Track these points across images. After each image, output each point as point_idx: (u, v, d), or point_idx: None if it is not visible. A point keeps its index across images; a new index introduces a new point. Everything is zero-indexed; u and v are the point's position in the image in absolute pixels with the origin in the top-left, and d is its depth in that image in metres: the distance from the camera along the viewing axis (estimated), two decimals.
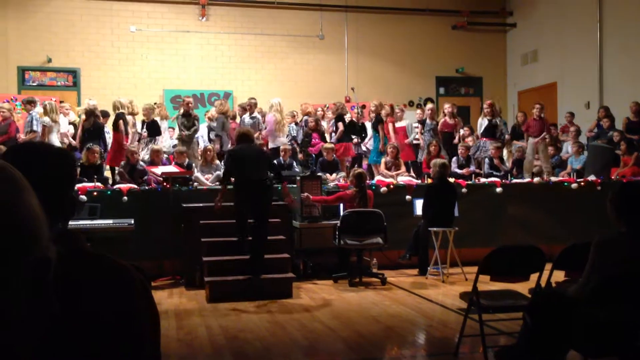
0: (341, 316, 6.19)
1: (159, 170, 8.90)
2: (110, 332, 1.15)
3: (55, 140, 9.53)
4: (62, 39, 13.25)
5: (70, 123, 10.51)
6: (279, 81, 14.30)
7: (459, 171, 10.21)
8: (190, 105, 10.38)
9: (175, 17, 13.99)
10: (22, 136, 9.73)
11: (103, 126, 10.19)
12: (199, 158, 9.98)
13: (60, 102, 10.94)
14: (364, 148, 11.08)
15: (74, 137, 10.23)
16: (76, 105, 12.38)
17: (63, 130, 9.94)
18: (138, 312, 1.25)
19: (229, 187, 7.26)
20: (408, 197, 9.02)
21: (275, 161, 9.66)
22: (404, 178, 9.69)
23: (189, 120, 10.19)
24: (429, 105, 11.64)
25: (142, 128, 10.39)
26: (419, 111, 12.02)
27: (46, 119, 9.48)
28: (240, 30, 14.26)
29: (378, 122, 10.53)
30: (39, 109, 9.88)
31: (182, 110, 10.42)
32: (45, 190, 0.88)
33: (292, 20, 14.59)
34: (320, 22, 14.64)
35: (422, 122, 11.22)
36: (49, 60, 13.19)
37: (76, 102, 12.98)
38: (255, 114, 10.84)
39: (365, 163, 10.77)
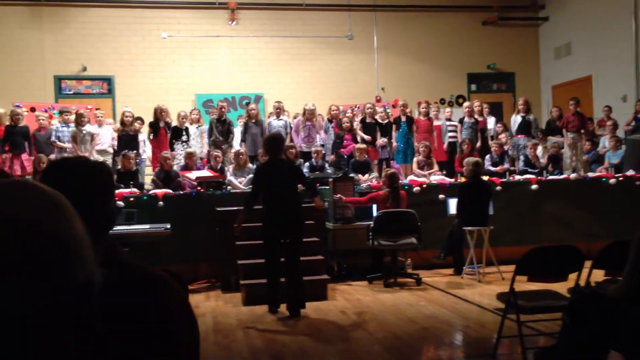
0: (377, 318, 6.18)
1: (193, 174, 9.02)
2: (151, 345, 1.18)
3: (87, 148, 9.73)
4: (96, 47, 13.52)
5: (115, 130, 10.66)
6: (309, 83, 14.33)
7: (492, 169, 10.10)
8: (223, 110, 10.49)
9: (205, 22, 14.15)
10: (57, 142, 9.96)
11: (138, 133, 10.36)
12: (232, 162, 10.09)
13: (96, 109, 11.15)
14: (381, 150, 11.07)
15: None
16: (111, 113, 12.62)
17: (105, 137, 10.11)
18: (177, 324, 1.27)
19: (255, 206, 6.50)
20: (441, 196, 8.95)
21: (307, 163, 9.73)
22: (437, 177, 9.62)
23: (223, 125, 10.30)
24: (467, 103, 11.52)
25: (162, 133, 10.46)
26: (448, 109, 11.94)
27: (87, 128, 9.73)
28: (270, 33, 14.34)
29: (409, 121, 10.50)
30: (68, 118, 10.11)
31: (216, 115, 10.54)
32: (85, 205, 0.91)
33: (320, 21, 14.61)
34: (348, 22, 14.64)
35: (461, 120, 11.13)
36: (84, 69, 13.47)
37: (111, 109, 13.23)
38: (283, 117, 10.88)
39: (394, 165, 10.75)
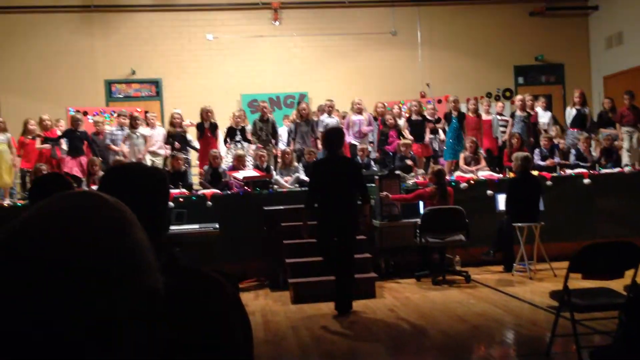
0: (426, 315, 6.14)
1: (240, 174, 9.13)
2: (209, 347, 1.21)
3: (140, 149, 9.97)
4: (144, 51, 13.81)
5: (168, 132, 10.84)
6: (353, 80, 14.30)
7: (542, 163, 9.88)
8: (265, 110, 10.57)
9: (249, 22, 14.28)
10: (111, 145, 10.23)
11: (186, 134, 10.54)
12: (277, 161, 10.17)
13: (145, 112, 11.39)
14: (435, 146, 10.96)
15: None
16: (160, 115, 12.88)
17: (156, 138, 10.32)
18: (233, 326, 1.30)
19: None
20: (490, 192, 8.82)
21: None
22: (485, 173, 9.48)
23: (266, 125, 10.39)
24: (518, 97, 11.26)
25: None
26: (500, 103, 11.74)
27: (140, 130, 9.99)
28: (313, 32, 14.38)
29: (460, 117, 10.39)
30: (124, 121, 10.38)
31: (258, 115, 10.64)
32: (142, 210, 0.93)
33: (363, 18, 14.56)
34: (392, 18, 14.54)
35: (512, 114, 10.94)
36: (133, 73, 13.78)
37: (159, 111, 13.49)
38: (334, 116, 10.87)
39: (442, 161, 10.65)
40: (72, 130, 9.91)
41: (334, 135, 6.39)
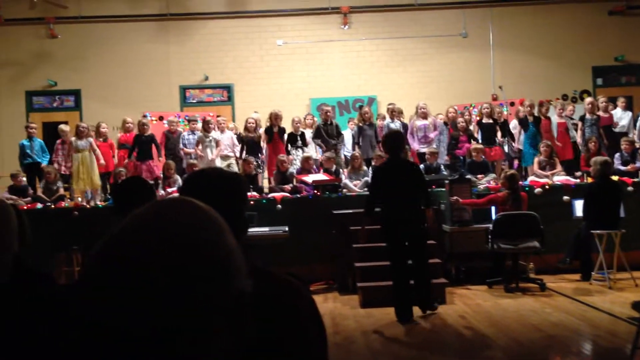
0: (498, 324, 5.99)
1: (309, 178, 9.21)
2: (284, 349, 1.23)
3: (213, 153, 10.22)
4: (217, 57, 14.16)
5: (235, 133, 11.07)
6: (422, 83, 14.16)
7: (622, 168, 9.46)
8: (329, 114, 10.61)
9: (318, 27, 14.39)
10: (184, 149, 10.54)
11: (259, 138, 10.70)
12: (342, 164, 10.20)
13: (218, 116, 11.67)
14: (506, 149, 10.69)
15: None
16: (231, 119, 13.17)
17: (226, 142, 10.56)
18: (308, 328, 1.32)
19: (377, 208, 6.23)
20: (566, 197, 8.53)
21: (422, 165, 9.62)
22: (561, 178, 9.17)
23: (331, 129, 10.43)
24: (588, 99, 10.89)
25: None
26: (570, 107, 11.36)
27: (212, 134, 10.26)
28: (382, 35, 14.34)
29: (536, 120, 10.12)
30: (197, 126, 10.67)
31: (322, 120, 10.68)
32: (222, 213, 0.96)
33: (433, 20, 14.39)
34: (462, 20, 14.31)
35: (581, 117, 10.57)
36: (206, 78, 14.15)
37: (231, 116, 13.79)
38: (397, 120, 10.77)
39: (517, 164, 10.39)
40: (139, 135, 10.26)
41: (393, 139, 6.34)
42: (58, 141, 10.52)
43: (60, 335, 1.27)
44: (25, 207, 8.52)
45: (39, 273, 2.07)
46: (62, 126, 10.71)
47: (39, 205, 9.03)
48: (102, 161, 10.05)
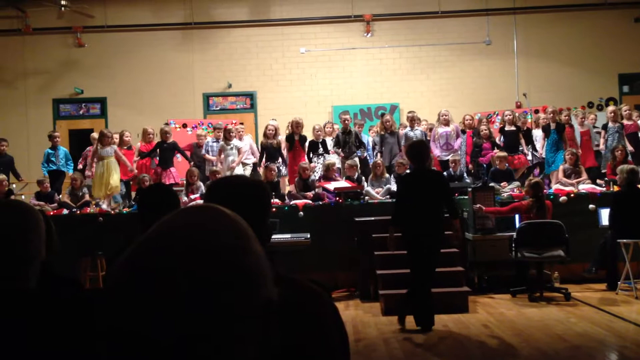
0: (522, 333, 5.92)
1: (331, 185, 9.21)
2: (307, 356, 1.23)
3: (234, 160, 10.27)
4: (240, 65, 14.28)
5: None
6: (445, 91, 14.11)
7: None
8: (347, 122, 10.60)
9: (341, 35, 14.43)
10: (207, 155, 10.62)
11: (278, 145, 10.75)
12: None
13: (240, 123, 11.75)
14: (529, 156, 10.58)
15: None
16: (254, 127, 13.25)
17: (244, 149, 10.61)
18: (331, 336, 1.32)
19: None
20: (592, 206, 8.41)
21: (445, 172, 9.57)
22: (586, 186, 9.05)
23: (349, 137, 10.42)
24: (610, 108, 10.79)
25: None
26: (592, 115, 11.23)
27: (234, 142, 10.34)
28: (405, 43, 14.32)
29: (560, 128, 10.01)
30: (219, 134, 10.74)
31: (342, 128, 10.68)
32: (246, 221, 0.97)
33: (456, 27, 14.35)
34: (486, 27, 14.24)
35: (604, 126, 10.45)
36: (229, 86, 14.27)
37: (253, 123, 13.88)
38: (418, 127, 10.72)
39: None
40: (162, 142, 10.34)
41: (417, 149, 6.29)
42: (88, 148, 10.67)
43: (87, 341, 1.29)
44: (51, 213, 8.65)
45: (66, 278, 2.11)
46: (94, 134, 10.88)
47: (65, 211, 9.17)
48: (130, 168, 10.19)
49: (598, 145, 10.50)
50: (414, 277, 6.13)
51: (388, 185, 9.41)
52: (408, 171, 8.42)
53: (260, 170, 10.21)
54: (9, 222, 1.41)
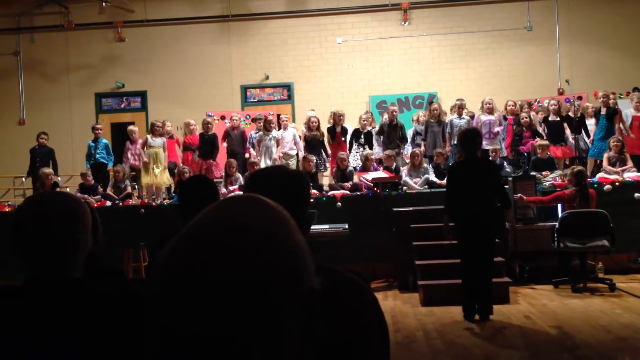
0: (565, 324, 5.82)
1: (369, 175, 9.19)
2: (347, 347, 1.23)
3: (273, 151, 10.33)
4: (277, 56, 14.32)
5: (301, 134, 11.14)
6: (484, 79, 13.88)
7: None
8: (395, 113, 10.50)
9: (377, 24, 14.33)
10: (250, 150, 10.70)
11: (322, 136, 10.73)
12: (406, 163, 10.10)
13: (278, 115, 11.80)
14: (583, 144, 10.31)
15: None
16: (291, 117, 13.28)
17: (287, 140, 10.62)
18: (371, 326, 1.32)
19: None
20: (637, 194, 8.19)
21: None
22: (632, 174, 8.80)
23: (395, 130, 10.32)
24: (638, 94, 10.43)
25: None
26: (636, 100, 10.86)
27: (273, 133, 10.41)
28: (443, 31, 14.13)
29: (611, 113, 9.74)
30: (260, 125, 10.81)
31: (386, 119, 10.57)
32: (289, 212, 0.98)
33: (496, 14, 14.08)
34: (527, 12, 13.93)
35: None
36: (267, 78, 14.33)
37: (291, 114, 13.92)
38: (465, 115, 10.58)
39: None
40: (203, 134, 10.49)
41: (470, 137, 6.20)
42: (127, 142, 10.88)
43: (132, 332, 1.32)
44: (95, 205, 8.86)
45: (111, 269, 2.16)
46: (132, 127, 11.07)
47: (108, 203, 9.38)
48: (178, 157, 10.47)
49: None
50: (463, 267, 6.06)
51: (426, 176, 9.34)
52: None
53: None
54: (58, 213, 1.45)
